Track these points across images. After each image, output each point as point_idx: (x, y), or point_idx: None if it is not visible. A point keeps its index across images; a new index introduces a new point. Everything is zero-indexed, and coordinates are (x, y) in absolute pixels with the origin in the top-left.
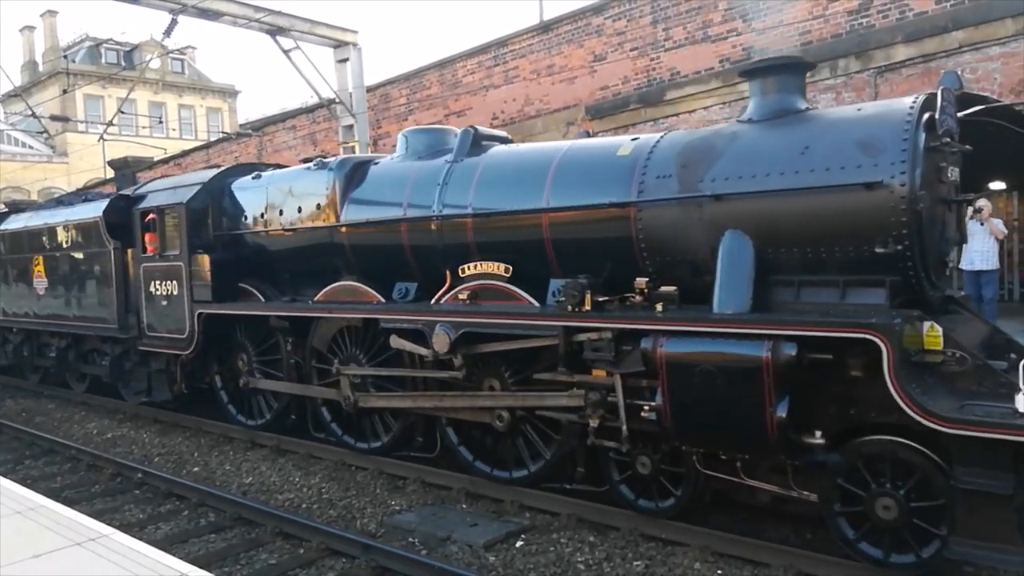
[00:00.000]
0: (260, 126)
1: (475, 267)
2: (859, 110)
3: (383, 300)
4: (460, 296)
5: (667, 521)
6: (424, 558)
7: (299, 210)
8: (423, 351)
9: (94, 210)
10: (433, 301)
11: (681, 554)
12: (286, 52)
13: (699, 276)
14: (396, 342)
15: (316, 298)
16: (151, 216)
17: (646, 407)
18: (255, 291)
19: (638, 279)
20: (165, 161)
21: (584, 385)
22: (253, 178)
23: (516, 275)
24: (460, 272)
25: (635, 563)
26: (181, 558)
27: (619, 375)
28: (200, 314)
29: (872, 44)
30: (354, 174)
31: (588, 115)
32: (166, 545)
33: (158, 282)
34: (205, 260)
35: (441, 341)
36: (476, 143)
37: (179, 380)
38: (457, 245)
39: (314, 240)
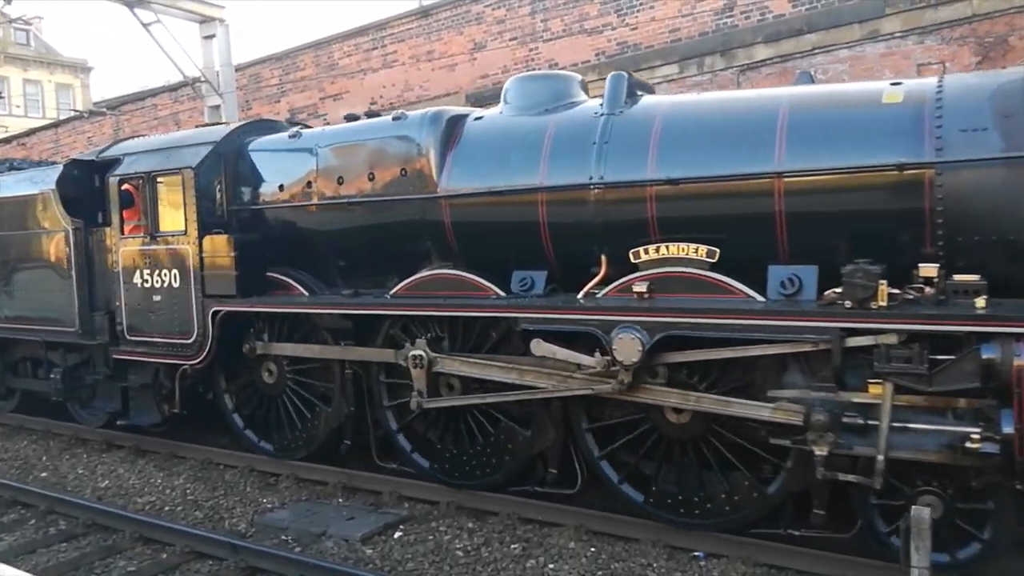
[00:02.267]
0: (117, 104)
1: (658, 250)
2: None
3: (501, 293)
4: (635, 288)
5: (542, 503)
6: (297, 555)
7: (371, 178)
8: (586, 360)
9: (40, 180)
10: (581, 294)
11: (557, 534)
12: (145, 26)
13: (1017, 261)
14: (541, 348)
15: (394, 291)
16: (129, 185)
17: (974, 434)
18: (292, 283)
19: (924, 265)
20: (7, 140)
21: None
22: (291, 137)
23: (722, 260)
24: (632, 257)
25: (512, 546)
26: (27, 570)
27: (891, 387)
28: (217, 313)
29: (735, 43)
30: (453, 131)
31: (469, 103)
32: (9, 557)
33: (148, 271)
34: (226, 243)
35: (629, 348)
36: (631, 92)
37: (177, 397)
38: (627, 222)
39: (395, 217)
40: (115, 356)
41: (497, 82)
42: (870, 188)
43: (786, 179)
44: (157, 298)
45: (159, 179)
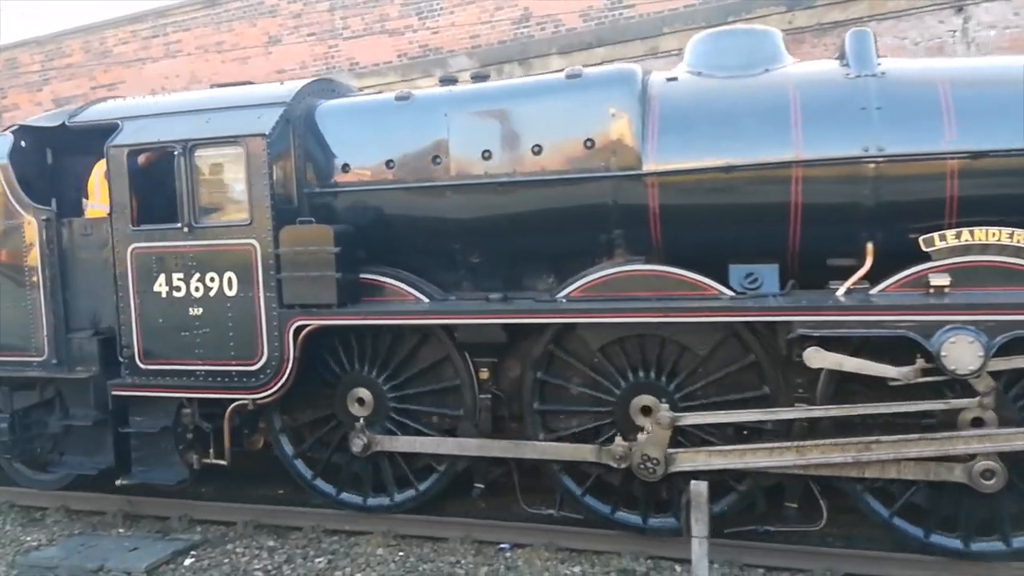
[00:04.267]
0: None
1: (960, 236)
2: None
3: (728, 292)
4: (934, 281)
5: (350, 512)
6: None
7: (536, 151)
8: (891, 372)
9: None
10: (842, 291)
11: (364, 542)
12: None
13: None
14: (823, 359)
15: (567, 292)
16: (144, 159)
17: None
18: (401, 286)
19: None
20: None
21: None
22: (398, 99)
23: None
24: (922, 244)
25: (317, 560)
26: None
27: None
28: (302, 328)
29: (532, 53)
30: (646, 94)
31: None
32: None
33: (180, 275)
34: (325, 235)
35: (967, 353)
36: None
37: (227, 444)
38: (915, 203)
39: (571, 200)
40: (116, 392)
41: (295, 78)
42: None
43: None
44: (196, 311)
45: (201, 151)
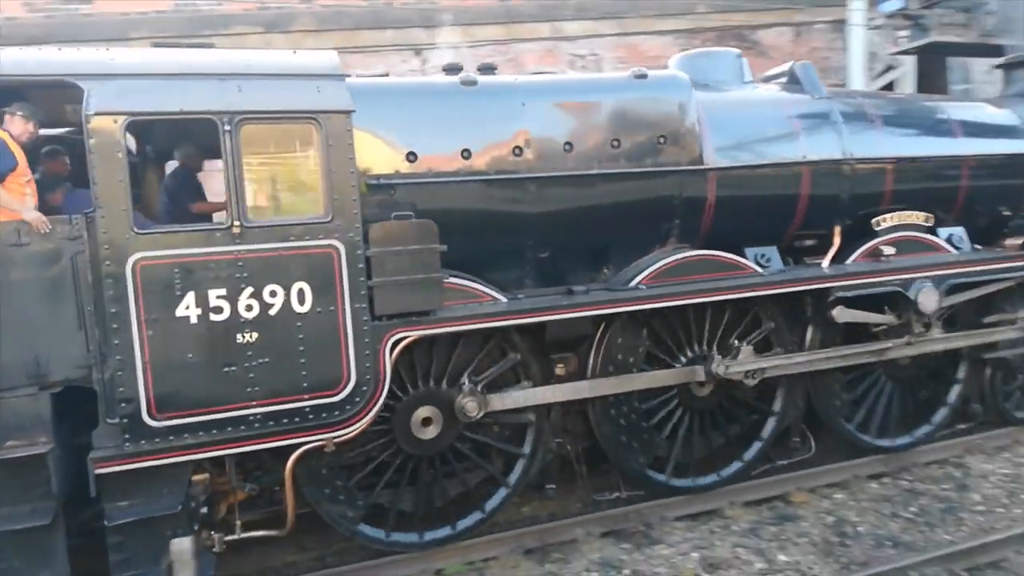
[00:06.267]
0: None
1: (891, 218)
2: None
3: (759, 270)
4: (886, 251)
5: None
6: None
7: (614, 144)
8: (883, 319)
9: None
10: (826, 262)
11: None
12: None
13: None
14: (845, 314)
15: (637, 280)
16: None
17: None
18: (472, 285)
19: None
20: None
21: None
22: (465, 83)
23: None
24: (874, 224)
25: None
26: None
27: None
28: (399, 340)
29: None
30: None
31: None
32: None
33: (221, 292)
34: (429, 230)
35: (931, 299)
36: None
37: (290, 506)
38: (868, 195)
39: (645, 193)
40: (102, 469)
41: None
42: None
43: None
44: (247, 337)
45: (251, 126)
